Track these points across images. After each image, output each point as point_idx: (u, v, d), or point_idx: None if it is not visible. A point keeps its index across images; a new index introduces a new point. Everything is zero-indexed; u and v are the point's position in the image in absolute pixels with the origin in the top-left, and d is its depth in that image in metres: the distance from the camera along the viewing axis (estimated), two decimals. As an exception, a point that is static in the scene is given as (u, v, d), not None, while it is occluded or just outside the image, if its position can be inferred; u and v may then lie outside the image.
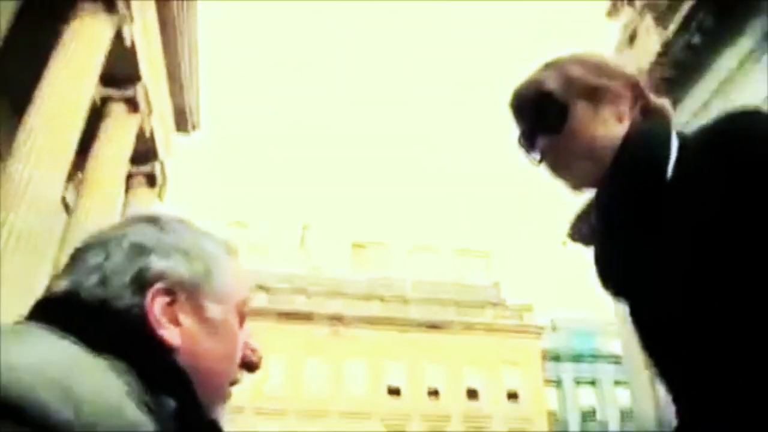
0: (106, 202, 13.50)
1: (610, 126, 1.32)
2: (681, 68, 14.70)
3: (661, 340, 1.19)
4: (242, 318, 1.00)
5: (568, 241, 21.26)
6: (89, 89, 11.78)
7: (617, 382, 38.20)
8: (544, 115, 1.35)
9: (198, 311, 0.93)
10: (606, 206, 1.30)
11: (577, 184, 1.38)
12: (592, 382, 40.66)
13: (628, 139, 1.29)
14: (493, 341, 37.33)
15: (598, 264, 1.35)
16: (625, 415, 38.06)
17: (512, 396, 36.71)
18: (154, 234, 0.95)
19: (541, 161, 1.39)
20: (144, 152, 16.04)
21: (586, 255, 21.70)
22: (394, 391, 35.33)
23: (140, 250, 0.91)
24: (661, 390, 18.64)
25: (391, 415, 34.15)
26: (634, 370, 19.32)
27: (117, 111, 14.19)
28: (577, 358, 41.09)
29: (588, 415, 40.32)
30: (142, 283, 0.89)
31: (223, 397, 0.98)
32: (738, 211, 1.08)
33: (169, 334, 0.87)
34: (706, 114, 13.86)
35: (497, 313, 39.21)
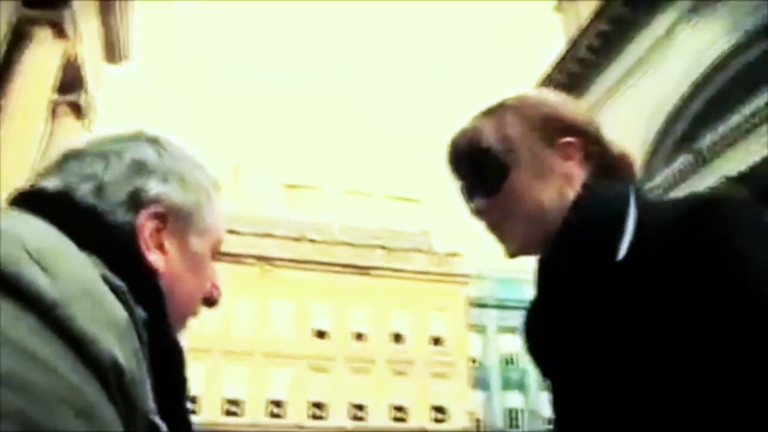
0: (27, 129, 12.98)
1: (557, 187, 1.16)
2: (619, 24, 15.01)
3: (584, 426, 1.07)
4: (214, 255, 1.01)
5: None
6: (6, 10, 11.18)
7: (538, 330, 39.29)
8: (481, 173, 1.20)
9: (182, 241, 0.93)
10: (546, 278, 1.15)
11: (515, 251, 1.21)
12: (515, 330, 41.77)
13: (576, 206, 1.13)
14: (420, 287, 37.94)
15: (529, 332, 1.23)
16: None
17: (437, 341, 37.48)
18: (155, 155, 0.94)
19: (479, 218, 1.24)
20: (71, 81, 15.45)
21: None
22: (320, 334, 35.65)
23: (140, 168, 0.91)
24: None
25: (316, 356, 34.50)
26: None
27: (42, 35, 13.55)
28: (502, 305, 42.10)
29: (509, 361, 41.57)
30: (137, 202, 0.88)
31: (184, 326, 0.98)
32: (701, 305, 0.94)
33: (155, 258, 0.87)
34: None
35: (426, 260, 39.70)
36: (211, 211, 0.99)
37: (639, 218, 1.08)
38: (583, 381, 1.06)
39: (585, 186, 1.16)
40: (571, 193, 1.15)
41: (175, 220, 0.92)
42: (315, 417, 34.30)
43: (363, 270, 37.37)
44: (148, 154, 0.93)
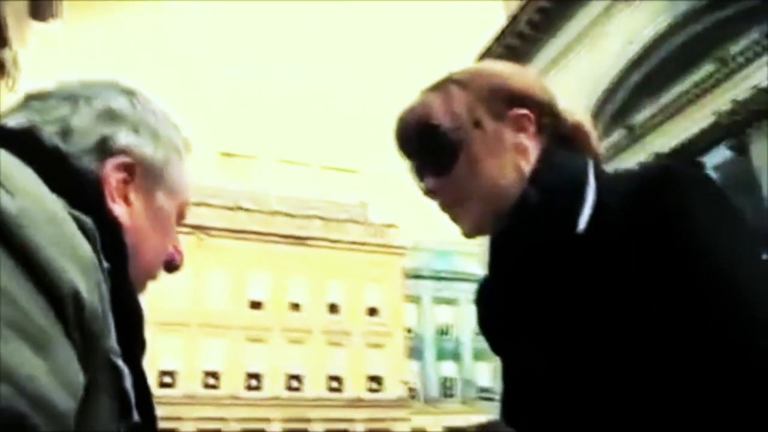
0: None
1: (511, 161, 1.10)
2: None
3: (540, 405, 1.03)
4: (179, 219, 0.98)
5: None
6: None
7: (473, 301, 39.96)
8: (430, 152, 1.14)
9: (149, 198, 0.90)
10: (502, 253, 1.10)
11: (471, 231, 1.16)
12: (450, 301, 42.36)
13: (533, 179, 1.08)
14: (356, 258, 38.00)
15: (481, 308, 1.20)
16: (478, 331, 40.11)
17: (373, 311, 37.72)
18: (128, 105, 0.90)
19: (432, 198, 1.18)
20: (-7, 38, 14.74)
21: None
22: (256, 304, 35.46)
23: (111, 116, 0.87)
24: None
25: (252, 327, 34.33)
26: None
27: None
28: (437, 277, 42.59)
29: (443, 332, 42.16)
30: (105, 150, 0.84)
31: (143, 288, 0.93)
32: (659, 275, 0.92)
33: (120, 211, 0.83)
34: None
35: (362, 231, 39.78)
36: (180, 171, 0.95)
37: (598, 189, 1.05)
38: (538, 357, 1.03)
39: (541, 158, 1.11)
40: (527, 167, 1.10)
41: (144, 175, 0.88)
42: (250, 388, 34.26)
43: (299, 240, 37.19)
44: (120, 103, 0.89)
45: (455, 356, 41.53)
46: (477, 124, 1.12)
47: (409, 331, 40.25)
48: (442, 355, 41.50)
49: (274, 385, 34.50)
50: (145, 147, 0.89)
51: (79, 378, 0.60)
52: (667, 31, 12.79)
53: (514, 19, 16.73)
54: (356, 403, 35.51)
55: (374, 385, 36.61)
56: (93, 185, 0.80)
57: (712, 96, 12.50)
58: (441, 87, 1.17)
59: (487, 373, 32.16)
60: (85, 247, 0.65)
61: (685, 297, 0.90)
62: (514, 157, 1.11)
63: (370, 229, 40.35)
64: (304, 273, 36.41)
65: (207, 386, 33.48)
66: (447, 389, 41.22)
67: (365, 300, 37.81)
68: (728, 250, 0.93)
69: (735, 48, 11.96)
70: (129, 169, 0.86)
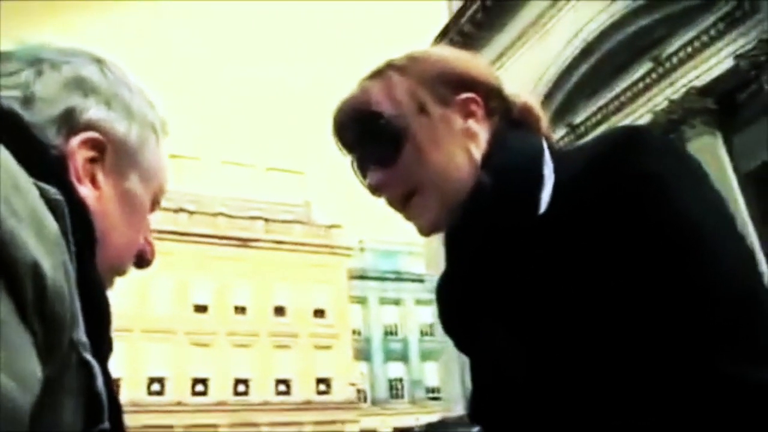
0: None
1: (460, 148, 1.03)
2: None
3: (511, 403, 0.97)
4: (153, 208, 0.88)
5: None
6: None
7: (419, 301, 40.20)
8: (372, 144, 1.06)
9: (120, 180, 0.80)
10: (461, 244, 1.02)
11: (427, 227, 1.08)
12: (396, 301, 42.44)
13: (488, 162, 1.02)
14: (301, 259, 37.80)
15: (443, 305, 1.11)
16: (425, 332, 40.31)
17: (319, 313, 37.56)
18: (99, 75, 0.80)
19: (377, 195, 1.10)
20: None
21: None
22: (201, 308, 34.96)
23: (79, 85, 0.77)
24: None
25: (197, 331, 33.86)
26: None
27: None
28: (382, 277, 42.63)
29: (390, 332, 42.22)
30: (71, 123, 0.75)
31: (111, 282, 0.83)
32: (629, 241, 0.87)
33: (86, 193, 0.73)
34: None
35: (306, 232, 39.57)
36: (156, 154, 0.86)
37: (555, 167, 0.99)
38: (507, 349, 0.96)
39: (493, 141, 1.05)
40: (478, 153, 1.04)
41: (114, 154, 0.78)
42: (196, 393, 33.74)
43: (243, 242, 36.82)
44: (91, 71, 0.80)
45: (403, 357, 41.62)
46: (421, 109, 1.04)
47: (357, 332, 40.21)
48: (389, 356, 41.53)
49: (220, 390, 34.03)
50: (116, 123, 0.79)
51: (36, 371, 0.50)
52: (607, 30, 13.04)
53: (457, 16, 16.85)
54: (305, 406, 35.28)
55: (323, 388, 36.43)
56: (57, 160, 0.70)
57: (649, 95, 12.79)
58: (380, 74, 1.10)
59: (435, 373, 32.28)
60: (50, 222, 0.56)
61: (654, 259, 0.85)
62: (464, 143, 1.04)
63: (314, 229, 40.18)
64: (249, 275, 36.04)
65: (152, 393, 32.83)
66: (395, 390, 41.28)
67: (311, 302, 37.58)
68: (698, 208, 0.88)
69: (670, 48, 12.25)
70: (98, 146, 0.76)
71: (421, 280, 33.54)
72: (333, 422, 35.33)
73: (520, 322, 0.95)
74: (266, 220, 38.70)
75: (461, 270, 1.05)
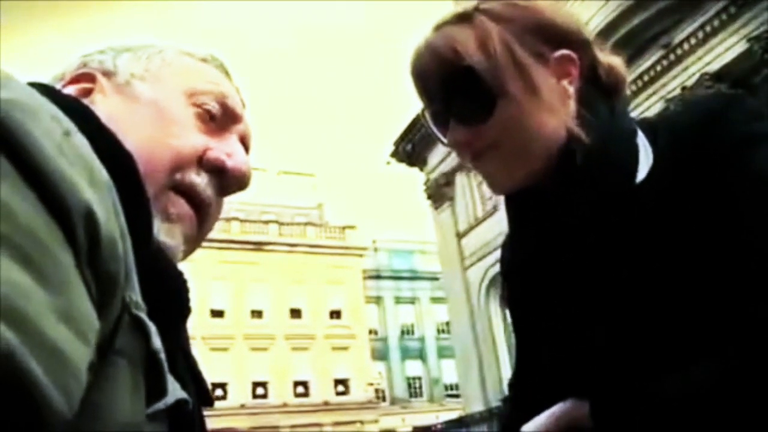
0: None
1: (554, 112, 0.94)
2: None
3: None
4: (210, 116, 0.79)
5: (392, 160, 21.78)
6: None
7: (434, 299, 40.15)
8: (462, 99, 0.96)
9: (122, 90, 0.77)
10: (551, 211, 0.96)
11: (505, 187, 1.00)
12: (412, 300, 42.40)
13: (582, 132, 0.94)
14: (316, 261, 37.78)
15: (516, 273, 1.05)
16: (441, 329, 40.25)
17: (335, 314, 37.55)
18: (100, 47, 0.83)
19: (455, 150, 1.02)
20: None
21: (407, 175, 22.26)
22: (218, 313, 35.02)
23: (84, 58, 0.81)
24: (475, 304, 19.93)
25: (214, 336, 33.93)
26: (451, 288, 20.32)
27: None
28: (397, 276, 42.59)
29: (407, 331, 42.17)
30: (62, 78, 0.79)
31: (162, 194, 0.72)
32: (728, 206, 0.84)
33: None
34: None
35: (320, 234, 39.58)
36: (168, 63, 0.81)
37: (646, 135, 0.95)
38: (593, 322, 0.91)
39: (586, 105, 0.97)
40: (568, 116, 0.95)
41: (107, 77, 0.78)
42: (216, 398, 33.15)
43: (257, 246, 36.84)
44: (105, 47, 0.83)
45: (420, 355, 41.55)
46: (517, 66, 0.94)
47: (373, 332, 40.18)
48: (407, 354, 41.47)
49: (239, 394, 34.07)
50: (103, 57, 0.81)
51: (95, 323, 0.44)
52: (615, 20, 12.91)
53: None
54: (324, 407, 35.28)
55: (341, 389, 36.43)
56: (61, 96, 0.65)
57: (661, 82, 12.67)
58: (470, 19, 0.97)
59: (453, 370, 32.20)
60: (100, 167, 0.50)
61: (743, 222, 0.82)
62: (556, 106, 0.95)
63: (328, 231, 40.19)
64: (265, 279, 36.08)
65: (171, 399, 32.96)
66: (414, 388, 41.23)
67: (327, 303, 37.60)
68: None
69: (681, 34, 12.12)
70: (84, 78, 0.78)
71: (435, 278, 33.40)
72: (353, 422, 35.32)
73: (613, 293, 0.89)
74: (280, 223, 38.72)
75: (544, 239, 0.98)
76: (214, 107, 0.80)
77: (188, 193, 0.75)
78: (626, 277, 0.88)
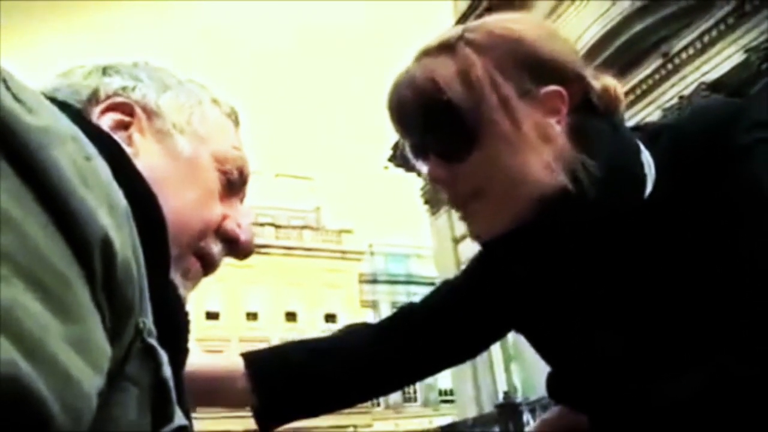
0: None
1: (536, 151, 0.88)
2: None
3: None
4: (229, 182, 0.81)
5: (390, 165, 21.78)
6: None
7: (430, 304, 40.09)
8: (440, 135, 0.91)
9: (162, 138, 0.75)
10: (558, 241, 0.91)
11: (487, 232, 0.95)
12: (407, 304, 42.37)
13: (587, 157, 0.89)
14: (312, 264, 37.79)
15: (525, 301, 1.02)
16: (437, 335, 40.17)
17: (330, 318, 37.52)
18: (130, 67, 0.79)
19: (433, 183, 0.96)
20: None
21: (404, 179, 22.32)
22: (213, 315, 34.97)
23: (102, 71, 0.77)
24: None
25: (209, 338, 33.87)
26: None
27: None
28: (393, 281, 42.58)
29: (402, 335, 42.15)
30: (97, 100, 0.74)
31: (184, 258, 0.76)
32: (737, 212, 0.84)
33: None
34: None
35: (317, 237, 39.56)
36: (204, 118, 0.80)
37: (647, 147, 0.94)
38: (610, 337, 0.90)
39: (587, 136, 0.91)
40: (555, 153, 0.89)
41: (147, 115, 0.75)
42: (209, 400, 33.76)
43: (254, 248, 36.83)
44: (119, 62, 0.80)
45: (415, 359, 41.49)
46: (501, 102, 0.88)
47: (368, 336, 40.13)
48: (401, 358, 41.40)
49: (233, 397, 34.05)
50: (145, 89, 0.77)
51: (107, 351, 0.44)
52: (614, 29, 12.95)
53: (462, 18, 16.79)
54: (328, 412, 35.17)
55: (335, 392, 36.41)
56: (94, 127, 0.64)
57: (659, 91, 12.69)
58: (451, 48, 0.92)
59: (448, 375, 32.17)
60: (120, 197, 0.49)
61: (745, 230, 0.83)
62: (542, 144, 0.89)
63: (324, 234, 40.17)
64: (260, 282, 36.05)
65: (165, 401, 32.91)
66: (408, 393, 41.16)
67: (323, 307, 37.56)
68: None
69: (679, 43, 12.15)
70: (124, 108, 0.73)
71: (431, 283, 33.41)
72: (346, 427, 35.25)
73: (623, 309, 0.90)
74: (276, 226, 38.69)
75: (557, 265, 0.94)
76: (234, 176, 0.82)
77: (205, 259, 0.81)
78: (644, 292, 0.89)
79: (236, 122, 0.87)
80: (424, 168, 0.96)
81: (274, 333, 35.62)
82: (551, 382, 1.02)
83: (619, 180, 0.89)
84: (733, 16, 11.30)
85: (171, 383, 0.53)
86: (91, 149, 0.48)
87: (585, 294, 0.93)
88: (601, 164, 0.88)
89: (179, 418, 0.55)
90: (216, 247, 0.81)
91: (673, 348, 0.86)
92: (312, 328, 36.62)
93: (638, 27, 12.68)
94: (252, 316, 35.98)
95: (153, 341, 0.51)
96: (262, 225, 38.22)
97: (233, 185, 0.82)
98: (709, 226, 0.85)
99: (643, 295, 0.89)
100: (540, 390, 9.01)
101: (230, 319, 35.24)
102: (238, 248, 0.84)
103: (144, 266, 0.51)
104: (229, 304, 35.46)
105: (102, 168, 0.48)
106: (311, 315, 37.09)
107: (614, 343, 0.90)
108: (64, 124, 0.47)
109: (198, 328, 31.09)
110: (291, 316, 36.79)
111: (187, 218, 0.74)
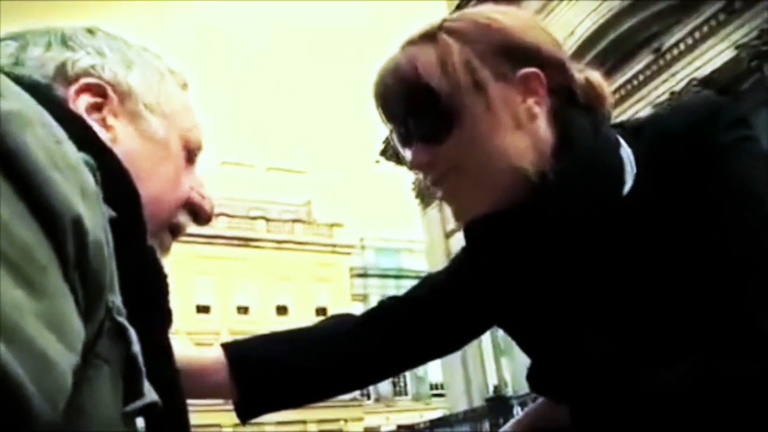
0: None
1: (515, 131, 0.92)
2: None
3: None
4: (189, 155, 0.85)
5: (381, 159, 21.77)
6: None
7: (421, 298, 40.14)
8: (420, 118, 0.95)
9: (135, 119, 0.77)
10: (538, 232, 0.93)
11: (469, 213, 0.98)
12: (398, 298, 42.39)
13: (562, 150, 0.93)
14: (303, 258, 37.75)
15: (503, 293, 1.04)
16: (427, 329, 40.24)
17: (321, 311, 37.47)
18: (84, 33, 0.78)
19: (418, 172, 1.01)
20: None
21: (396, 173, 22.32)
22: (203, 309, 34.92)
23: (65, 42, 0.76)
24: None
25: (199, 332, 33.83)
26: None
27: None
28: (384, 275, 42.60)
29: (393, 329, 42.19)
30: (65, 77, 0.73)
31: (160, 232, 0.81)
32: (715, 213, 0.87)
33: (104, 136, 0.69)
34: None
35: (308, 231, 39.54)
36: (173, 97, 0.83)
37: (628, 142, 0.96)
38: (592, 338, 0.92)
39: (561, 122, 0.95)
40: (535, 135, 0.93)
41: (119, 96, 0.76)
42: (200, 392, 33.69)
43: (245, 242, 36.76)
44: (80, 34, 0.78)
45: (405, 353, 41.55)
46: (478, 86, 0.92)
47: (359, 329, 40.14)
48: (392, 352, 41.45)
49: (223, 390, 34.01)
50: (113, 66, 0.77)
51: (81, 331, 0.45)
52: (605, 25, 12.98)
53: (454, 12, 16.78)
54: (308, 404, 35.17)
55: (325, 386, 36.40)
56: (67, 111, 0.64)
57: (649, 87, 12.74)
58: (432, 37, 0.97)
59: (439, 369, 32.23)
60: (89, 178, 0.50)
61: (722, 228, 0.86)
62: (521, 125, 0.93)
63: (315, 228, 40.15)
64: (251, 275, 36.02)
65: (155, 394, 32.83)
66: (399, 387, 41.25)
67: (313, 300, 37.53)
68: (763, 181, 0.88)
69: (670, 39, 12.19)
70: (98, 90, 0.74)
71: (421, 277, 33.46)
72: (337, 420, 35.30)
73: (604, 303, 0.92)
74: (267, 219, 38.65)
75: (536, 258, 0.97)
76: (195, 150, 0.87)
77: (176, 230, 0.85)
78: (625, 286, 0.91)
79: (186, 88, 0.89)
80: (409, 156, 1.00)
81: (265, 326, 35.54)
82: (532, 374, 1.04)
83: (595, 172, 0.92)
84: (723, 13, 11.34)
85: (141, 360, 0.54)
86: (60, 132, 0.49)
87: (566, 288, 0.95)
88: (578, 155, 0.92)
89: (150, 394, 0.55)
90: (183, 218, 0.86)
91: (654, 342, 0.88)
92: (303, 321, 35.69)
93: (629, 23, 12.71)
94: (243, 309, 35.92)
95: (123, 320, 0.52)
96: (253, 218, 38.20)
97: (193, 157, 0.87)
98: (690, 221, 0.87)
99: (624, 290, 0.91)
100: (529, 384, 9.05)
101: (221, 313, 35.17)
102: (203, 217, 0.88)
103: (113, 247, 0.51)
104: (220, 298, 35.41)
105: (72, 151, 0.49)
106: (302, 309, 37.06)
107: (595, 336, 0.92)
108: (32, 107, 0.47)
109: (189, 322, 31.03)
110: (282, 310, 36.76)
111: (163, 197, 0.79)
